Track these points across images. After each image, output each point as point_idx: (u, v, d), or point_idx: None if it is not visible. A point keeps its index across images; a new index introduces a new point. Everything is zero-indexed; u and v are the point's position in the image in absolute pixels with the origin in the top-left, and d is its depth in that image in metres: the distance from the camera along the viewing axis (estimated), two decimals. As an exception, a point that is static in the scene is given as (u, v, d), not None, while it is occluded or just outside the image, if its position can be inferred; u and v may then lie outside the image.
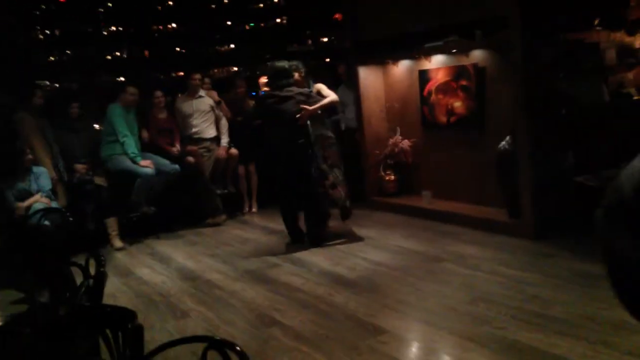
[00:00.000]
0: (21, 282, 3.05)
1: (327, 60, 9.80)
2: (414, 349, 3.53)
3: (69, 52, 8.43)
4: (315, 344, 3.72)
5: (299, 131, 5.58)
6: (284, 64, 5.77)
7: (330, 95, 5.84)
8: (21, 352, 2.48)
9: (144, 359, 2.10)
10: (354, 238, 5.98)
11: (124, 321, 2.25)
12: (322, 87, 5.94)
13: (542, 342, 3.42)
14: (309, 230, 5.91)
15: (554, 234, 5.23)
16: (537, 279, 4.37)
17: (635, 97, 6.04)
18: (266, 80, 8.58)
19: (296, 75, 5.78)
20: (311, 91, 5.85)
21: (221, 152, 7.23)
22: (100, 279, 2.77)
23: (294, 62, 5.90)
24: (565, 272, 4.44)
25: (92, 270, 2.93)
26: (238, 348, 1.61)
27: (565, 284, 4.22)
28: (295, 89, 5.69)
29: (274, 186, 6.11)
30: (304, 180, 5.62)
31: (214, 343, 1.69)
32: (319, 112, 5.73)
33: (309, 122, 5.63)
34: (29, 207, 5.61)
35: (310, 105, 5.61)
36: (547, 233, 5.24)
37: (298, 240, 5.93)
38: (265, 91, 8.63)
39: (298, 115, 5.55)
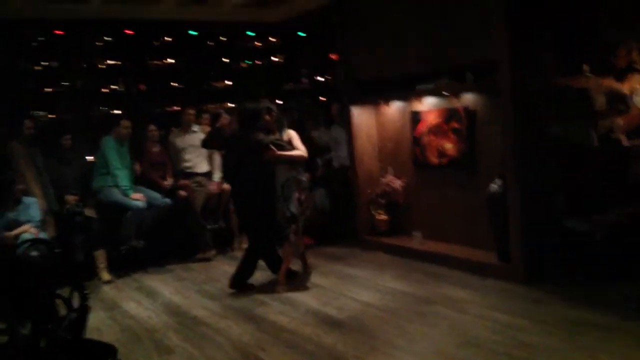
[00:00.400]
0: (3, 313, 3.00)
1: (323, 99, 9.89)
2: (400, 393, 3.47)
3: (64, 83, 8.46)
4: (301, 385, 3.66)
5: (263, 174, 5.63)
6: (255, 105, 5.73)
7: (300, 149, 5.78)
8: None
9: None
10: (343, 277, 5.94)
11: (105, 356, 2.22)
12: (294, 135, 5.85)
13: (530, 389, 3.38)
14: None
15: (543, 278, 5.22)
16: (527, 325, 4.33)
17: (625, 144, 6.09)
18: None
19: (267, 117, 5.68)
20: (280, 138, 5.75)
21: (213, 187, 7.23)
22: (83, 312, 2.74)
23: (266, 104, 5.78)
24: (555, 318, 4.41)
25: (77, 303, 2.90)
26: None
27: (553, 331, 4.19)
28: (262, 135, 5.64)
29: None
30: (267, 223, 5.71)
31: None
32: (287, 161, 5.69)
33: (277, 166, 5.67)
34: (17, 237, 5.57)
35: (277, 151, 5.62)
36: (537, 277, 5.22)
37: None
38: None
39: (266, 155, 5.55)
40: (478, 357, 3.87)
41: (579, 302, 4.68)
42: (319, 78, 10.53)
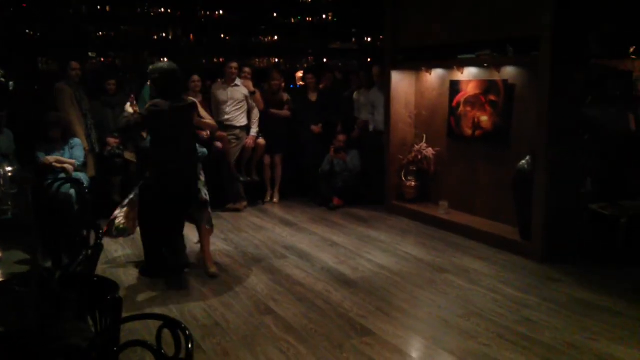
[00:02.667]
0: (28, 245, 3.23)
1: (369, 60, 9.85)
2: (394, 354, 3.60)
3: (119, 28, 8.71)
4: (302, 337, 3.84)
5: (192, 146, 5.01)
6: (173, 66, 4.87)
7: (210, 118, 5.54)
8: (15, 307, 2.67)
9: (115, 328, 2.25)
10: (364, 239, 6.06)
11: (107, 292, 2.41)
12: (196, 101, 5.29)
13: (521, 363, 3.46)
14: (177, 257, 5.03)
15: (563, 259, 5.22)
16: (534, 302, 4.38)
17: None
18: (301, 75, 8.74)
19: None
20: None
21: (249, 141, 7.39)
22: (96, 250, 2.95)
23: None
24: (564, 298, 4.44)
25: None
26: (187, 332, 1.73)
27: (560, 310, 4.23)
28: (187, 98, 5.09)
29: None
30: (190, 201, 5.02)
31: (168, 322, 1.81)
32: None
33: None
34: (54, 168, 5.88)
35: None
36: (555, 257, 5.22)
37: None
38: (300, 85, 8.79)
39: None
40: (479, 327, 3.96)
41: (592, 285, 4.68)
42: (367, 39, 10.49)
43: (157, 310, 4.25)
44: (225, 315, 4.19)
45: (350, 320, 4.09)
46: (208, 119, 5.49)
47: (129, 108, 5.04)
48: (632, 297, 4.42)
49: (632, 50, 5.59)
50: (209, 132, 7.19)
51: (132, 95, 5.29)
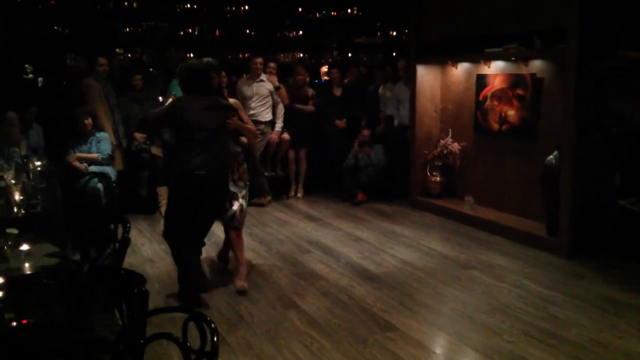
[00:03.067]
0: (57, 238, 3.30)
1: (394, 54, 9.80)
2: (418, 350, 3.59)
3: (146, 24, 8.82)
4: (326, 331, 3.85)
5: (223, 152, 4.51)
6: (204, 64, 4.55)
7: (250, 124, 5.04)
8: (44, 300, 2.73)
9: (141, 321, 2.29)
10: (388, 234, 6.05)
11: (134, 285, 2.45)
12: (239, 104, 5.11)
13: (546, 361, 3.43)
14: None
15: (589, 255, 5.15)
16: (561, 299, 4.33)
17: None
18: (326, 70, 8.72)
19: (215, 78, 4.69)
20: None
21: (274, 136, 7.42)
22: (124, 244, 3.00)
23: (210, 61, 4.68)
24: (591, 295, 4.38)
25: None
26: (213, 325, 1.75)
27: (587, 307, 4.17)
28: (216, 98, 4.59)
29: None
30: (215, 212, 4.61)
31: (193, 315, 1.84)
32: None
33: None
34: (79, 169, 5.98)
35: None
36: (582, 253, 5.16)
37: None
38: (325, 80, 8.78)
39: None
40: (504, 324, 3.92)
41: (619, 282, 4.61)
42: (392, 33, 10.43)
43: (182, 304, 4.31)
44: (249, 309, 4.23)
45: (374, 315, 4.09)
46: (249, 124, 4.98)
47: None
48: (661, 295, 4.35)
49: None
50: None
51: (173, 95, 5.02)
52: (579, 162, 5.15)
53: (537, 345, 3.62)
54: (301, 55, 9.93)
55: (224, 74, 7.30)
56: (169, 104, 4.56)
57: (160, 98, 7.34)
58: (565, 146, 5.24)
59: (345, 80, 7.99)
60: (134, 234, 6.05)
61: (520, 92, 6.06)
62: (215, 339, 1.75)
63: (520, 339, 3.72)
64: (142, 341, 2.13)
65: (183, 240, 4.43)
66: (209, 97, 4.43)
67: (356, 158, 7.41)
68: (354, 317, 4.06)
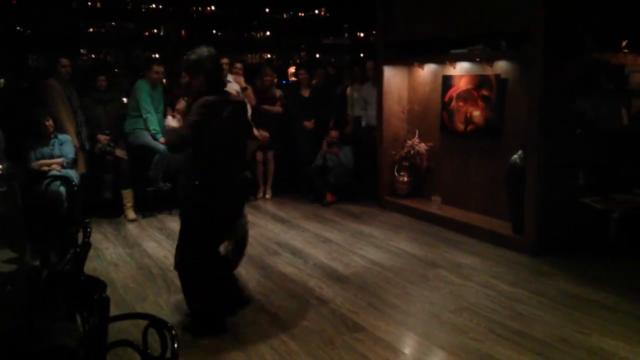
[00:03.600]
0: (16, 243, 3.21)
1: (362, 55, 9.84)
2: (386, 350, 3.59)
3: (110, 24, 8.67)
4: (294, 333, 3.83)
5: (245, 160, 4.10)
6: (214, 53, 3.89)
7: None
8: (4, 307, 2.66)
9: (102, 328, 2.23)
10: (357, 235, 6.05)
11: (94, 291, 2.39)
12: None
13: (512, 358, 3.46)
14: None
15: (554, 252, 5.23)
16: (526, 296, 4.38)
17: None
18: (293, 70, 8.69)
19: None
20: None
21: (241, 137, 7.35)
22: (84, 248, 2.93)
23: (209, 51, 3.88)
24: (555, 293, 4.45)
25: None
26: (173, 332, 1.72)
27: (552, 304, 4.23)
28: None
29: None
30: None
31: (154, 321, 1.80)
32: None
33: None
34: (43, 171, 5.83)
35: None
36: (547, 251, 5.23)
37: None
38: (292, 80, 8.75)
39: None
40: (471, 322, 3.95)
41: (584, 279, 4.69)
42: (360, 34, 10.47)
43: (149, 308, 4.24)
44: (216, 312, 4.17)
45: (342, 316, 4.08)
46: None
47: (171, 122, 4.65)
48: (623, 291, 4.43)
49: (624, 44, 5.60)
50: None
51: (179, 105, 4.50)
52: (543, 162, 5.22)
53: (503, 343, 3.65)
54: (268, 56, 9.89)
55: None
56: (198, 113, 3.64)
57: (124, 99, 7.25)
58: (529, 146, 5.31)
59: (313, 81, 7.99)
60: (97, 238, 5.96)
61: (485, 92, 6.12)
62: (175, 345, 1.71)
63: (487, 337, 3.75)
64: (102, 348, 2.08)
65: (215, 263, 3.79)
66: (228, 96, 3.89)
67: (324, 159, 7.40)
68: (323, 319, 4.05)
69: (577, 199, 5.35)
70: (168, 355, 1.72)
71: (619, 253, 5.17)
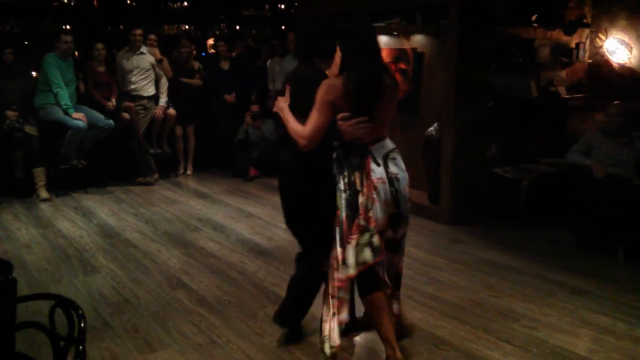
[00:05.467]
0: None
1: (283, 27, 9.74)
2: (306, 320, 3.63)
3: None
4: (215, 308, 3.81)
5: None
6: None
7: None
8: None
9: (10, 310, 2.15)
10: (280, 209, 6.04)
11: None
12: None
13: (428, 323, 3.60)
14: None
15: (469, 221, 5.44)
16: (442, 263, 4.55)
17: (564, 96, 6.23)
18: (212, 42, 8.49)
19: None
20: None
21: (158, 111, 7.17)
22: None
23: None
24: (469, 259, 4.64)
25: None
26: (80, 311, 1.67)
27: (465, 270, 4.42)
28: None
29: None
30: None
31: (60, 301, 1.74)
32: None
33: None
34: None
35: None
36: (462, 220, 5.44)
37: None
38: (212, 53, 8.55)
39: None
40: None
41: (496, 246, 4.92)
42: (281, 6, 10.36)
43: (64, 290, 4.09)
44: (135, 291, 4.08)
45: (265, 290, 4.10)
46: None
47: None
48: (531, 256, 4.68)
49: (534, 18, 5.81)
50: (114, 103, 6.92)
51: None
52: (458, 134, 5.39)
53: (419, 308, 3.79)
54: (186, 27, 9.64)
55: (102, 46, 6.97)
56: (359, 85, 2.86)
57: (33, 73, 6.88)
58: (444, 118, 5.46)
59: (233, 54, 7.85)
60: (9, 219, 5.70)
61: (402, 66, 6.22)
62: (82, 324, 1.67)
63: (404, 302, 3.85)
64: (9, 330, 2.00)
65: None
66: None
67: (247, 133, 7.33)
68: (245, 293, 4.05)
69: (489, 169, 5.56)
70: (75, 334, 1.67)
71: (527, 219, 5.44)
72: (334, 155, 3.04)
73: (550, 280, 4.23)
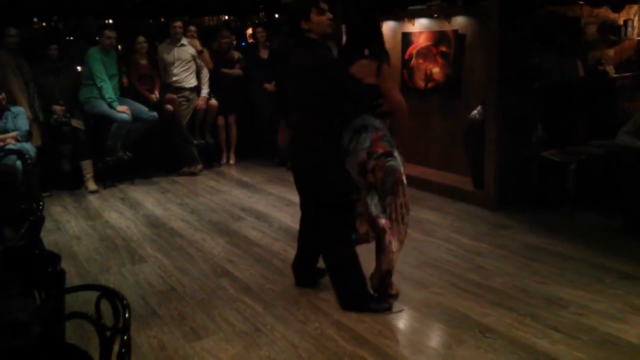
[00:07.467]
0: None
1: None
2: (351, 308, 3.64)
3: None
4: (259, 296, 3.85)
5: None
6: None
7: None
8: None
9: (59, 300, 2.21)
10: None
11: (48, 263, 2.36)
12: None
13: (473, 310, 3.54)
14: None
15: (514, 206, 5.33)
16: (486, 249, 4.48)
17: (612, 75, 6.02)
18: (251, 32, 8.51)
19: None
20: None
21: (200, 102, 7.25)
22: (37, 222, 2.87)
23: None
24: (515, 244, 4.55)
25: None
26: (125, 302, 1.71)
27: (511, 256, 4.33)
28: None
29: None
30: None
31: (105, 292, 1.78)
32: None
33: None
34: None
35: None
36: (507, 205, 5.33)
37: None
38: (251, 42, 8.58)
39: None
40: (432, 277, 4.03)
41: (542, 231, 4.80)
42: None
43: (113, 280, 4.21)
44: (181, 280, 4.16)
45: (307, 278, 4.11)
46: None
47: None
48: (579, 241, 4.55)
49: (579, -5, 5.63)
50: (158, 95, 7.02)
51: None
52: (502, 117, 5.27)
53: (463, 296, 3.74)
54: (226, 17, 9.68)
55: (144, 39, 7.08)
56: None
57: (78, 68, 7.04)
58: (488, 101, 5.34)
59: (267, 43, 7.85)
60: (58, 211, 5.86)
61: (443, 49, 6.12)
62: (127, 315, 1.70)
63: (448, 290, 3.83)
64: (58, 321, 2.06)
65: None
66: None
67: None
68: (288, 281, 4.07)
69: (535, 152, 5.43)
70: (120, 325, 1.71)
71: (575, 204, 5.29)
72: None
73: (598, 265, 4.11)
